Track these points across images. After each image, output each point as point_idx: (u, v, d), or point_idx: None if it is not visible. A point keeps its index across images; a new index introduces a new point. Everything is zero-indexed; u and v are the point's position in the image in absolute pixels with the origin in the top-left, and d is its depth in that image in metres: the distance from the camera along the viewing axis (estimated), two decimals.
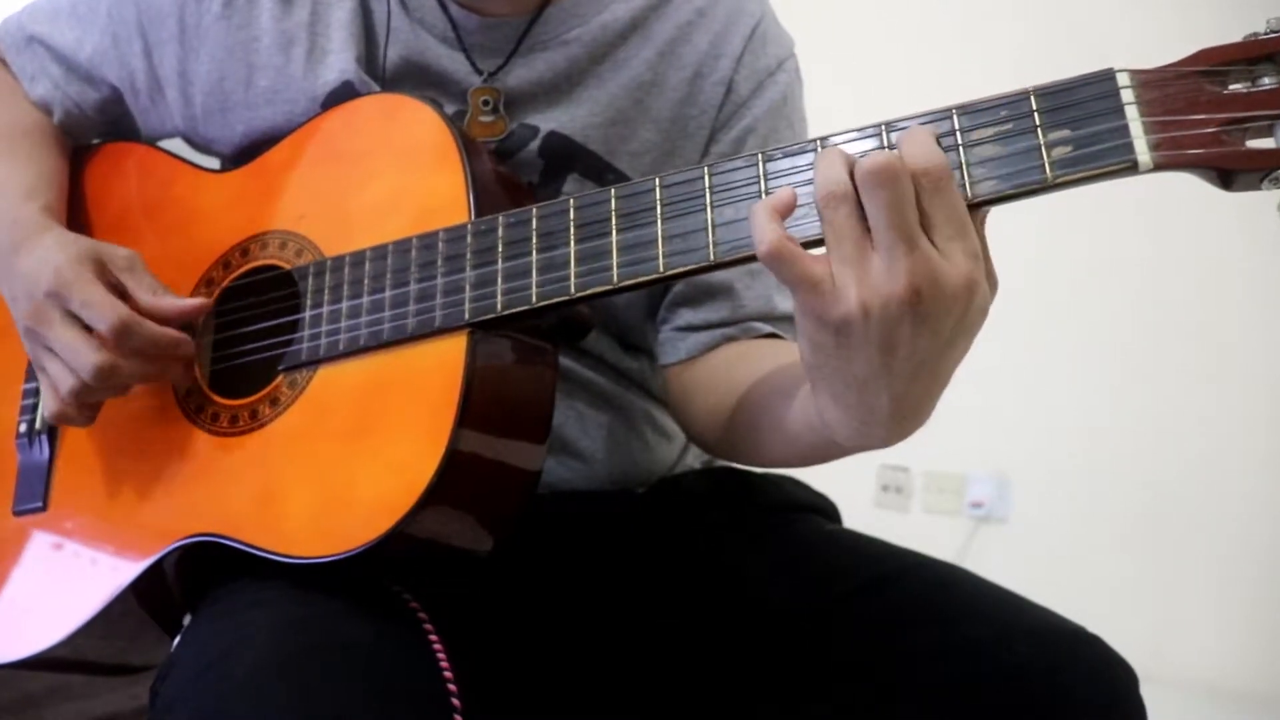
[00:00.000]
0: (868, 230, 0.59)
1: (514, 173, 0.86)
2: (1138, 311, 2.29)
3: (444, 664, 0.69)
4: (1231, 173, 0.59)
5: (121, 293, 0.81)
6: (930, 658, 0.75)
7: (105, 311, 0.78)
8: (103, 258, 0.82)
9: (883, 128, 0.64)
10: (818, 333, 0.61)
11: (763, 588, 0.85)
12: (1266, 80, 0.59)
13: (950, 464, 2.50)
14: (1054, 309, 2.31)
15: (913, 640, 0.77)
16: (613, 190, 0.71)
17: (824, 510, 0.97)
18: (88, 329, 0.79)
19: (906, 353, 0.60)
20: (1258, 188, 0.60)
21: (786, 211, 0.61)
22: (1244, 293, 2.21)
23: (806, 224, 0.63)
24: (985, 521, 2.46)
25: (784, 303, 0.91)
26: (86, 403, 0.82)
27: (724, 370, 0.88)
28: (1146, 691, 0.74)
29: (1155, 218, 2.14)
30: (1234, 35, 0.61)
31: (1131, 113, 0.60)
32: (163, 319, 0.81)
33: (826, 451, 0.73)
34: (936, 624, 0.77)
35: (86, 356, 0.78)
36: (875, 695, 0.77)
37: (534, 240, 0.73)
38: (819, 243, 0.62)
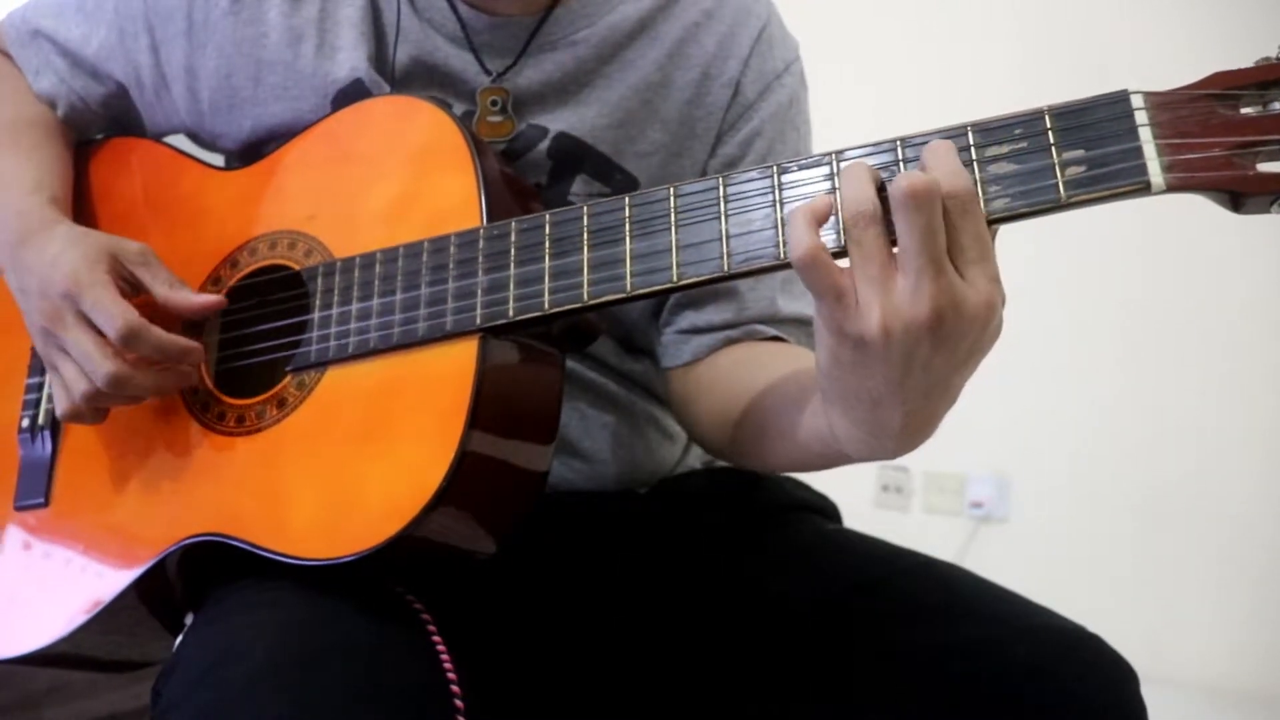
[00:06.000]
0: (893, 250, 0.59)
1: (521, 174, 0.86)
2: (1137, 311, 2.29)
3: (447, 665, 0.69)
4: (1242, 196, 0.59)
5: (136, 287, 0.82)
6: (930, 657, 0.76)
7: (114, 315, 0.78)
8: (116, 253, 0.82)
9: (898, 143, 0.64)
10: (837, 345, 0.61)
11: (763, 587, 0.85)
12: (1277, 104, 0.60)
13: (950, 464, 2.50)
14: (1054, 309, 2.31)
15: (912, 640, 0.77)
16: (626, 199, 0.71)
17: (824, 510, 0.97)
18: (100, 333, 0.79)
19: (923, 372, 0.60)
20: (1267, 211, 0.60)
21: (823, 220, 0.62)
22: (1244, 292, 2.20)
23: (825, 236, 0.64)
24: (985, 521, 2.47)
25: (787, 305, 0.92)
26: (99, 406, 0.82)
27: (727, 374, 0.88)
28: (1146, 691, 0.74)
29: (1155, 217, 2.13)
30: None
31: (1145, 134, 0.60)
32: (179, 313, 0.81)
33: (832, 460, 0.74)
34: (936, 624, 0.77)
35: (100, 364, 0.78)
36: (875, 695, 0.77)
37: (547, 246, 0.73)
38: (838, 254, 0.62)
